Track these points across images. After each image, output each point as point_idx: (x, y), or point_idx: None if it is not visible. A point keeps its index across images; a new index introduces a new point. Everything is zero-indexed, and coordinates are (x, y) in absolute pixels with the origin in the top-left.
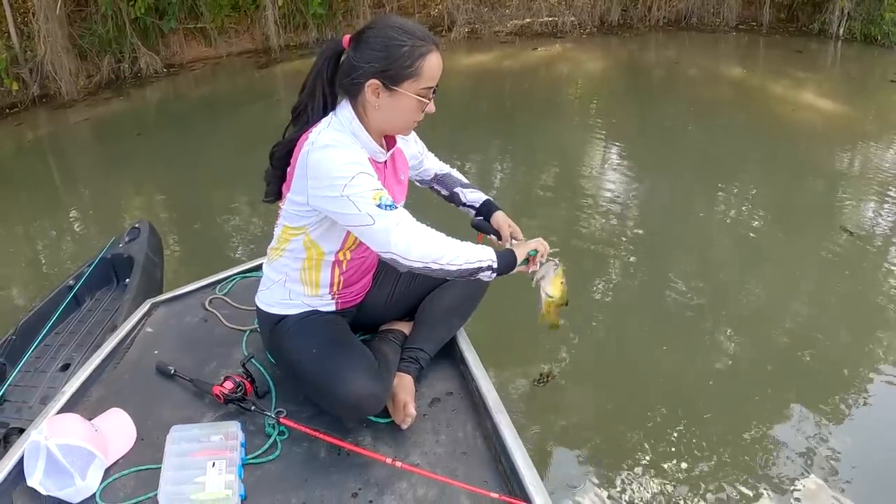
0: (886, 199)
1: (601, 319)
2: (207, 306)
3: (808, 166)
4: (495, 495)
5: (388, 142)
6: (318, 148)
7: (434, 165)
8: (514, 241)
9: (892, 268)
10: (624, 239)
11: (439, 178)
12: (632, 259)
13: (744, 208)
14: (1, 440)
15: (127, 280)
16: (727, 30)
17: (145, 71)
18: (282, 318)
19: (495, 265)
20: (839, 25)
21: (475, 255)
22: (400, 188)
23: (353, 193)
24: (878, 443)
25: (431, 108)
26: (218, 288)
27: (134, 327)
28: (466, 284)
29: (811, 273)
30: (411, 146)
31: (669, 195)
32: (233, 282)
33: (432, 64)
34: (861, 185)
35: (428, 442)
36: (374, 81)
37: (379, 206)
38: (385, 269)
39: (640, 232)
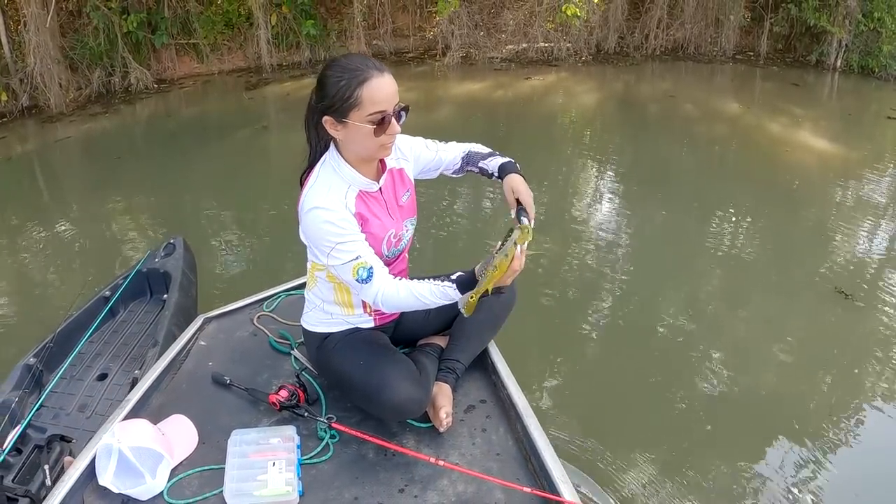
0: (876, 251)
1: (588, 347)
2: (255, 322)
3: (801, 214)
4: (527, 490)
5: (381, 166)
6: (305, 211)
7: (457, 152)
8: (518, 212)
9: (881, 326)
10: (614, 271)
11: (466, 160)
12: (619, 292)
13: (733, 252)
14: (44, 446)
15: (165, 295)
16: (724, 60)
17: (135, 86)
18: (327, 336)
19: (459, 297)
20: (837, 57)
21: (439, 298)
22: (402, 210)
23: (334, 264)
24: (860, 479)
25: (395, 128)
26: (265, 305)
27: (189, 341)
28: (496, 302)
29: (798, 324)
30: (422, 156)
31: (659, 233)
32: (279, 299)
33: (372, 90)
34: (851, 237)
35: (465, 444)
36: (327, 118)
37: (357, 279)
38: None
39: (629, 266)
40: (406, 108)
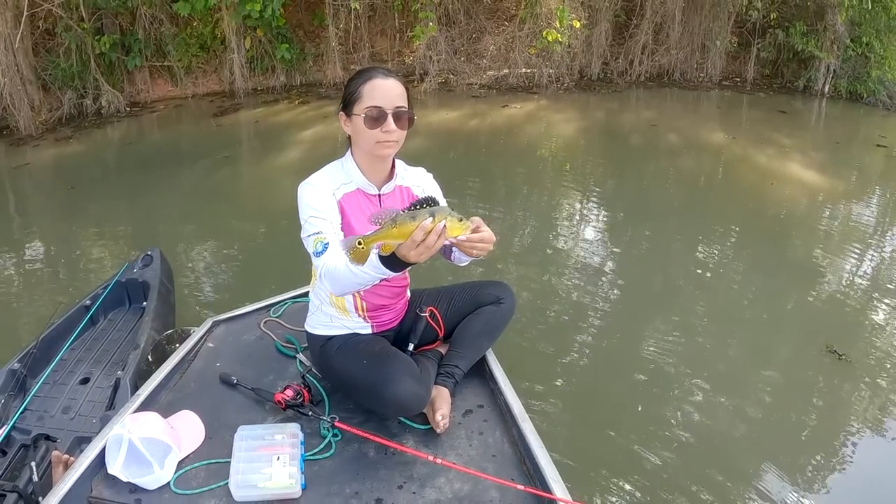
0: (864, 295)
1: (573, 376)
2: (262, 327)
3: (788, 254)
4: (521, 488)
5: (391, 177)
6: (301, 184)
7: None
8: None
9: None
10: (595, 304)
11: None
12: (600, 325)
13: (717, 291)
14: (30, 445)
15: (144, 303)
16: (710, 86)
17: (107, 109)
18: (328, 340)
19: (389, 273)
20: (825, 83)
21: (372, 271)
22: None
23: (303, 235)
24: None
25: (389, 126)
26: (272, 311)
27: (197, 342)
28: (493, 313)
29: (781, 368)
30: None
31: (641, 268)
32: (285, 306)
33: (372, 86)
34: (839, 277)
35: (462, 445)
36: (341, 114)
37: (314, 252)
38: (421, 300)
39: (611, 299)
40: (406, 113)
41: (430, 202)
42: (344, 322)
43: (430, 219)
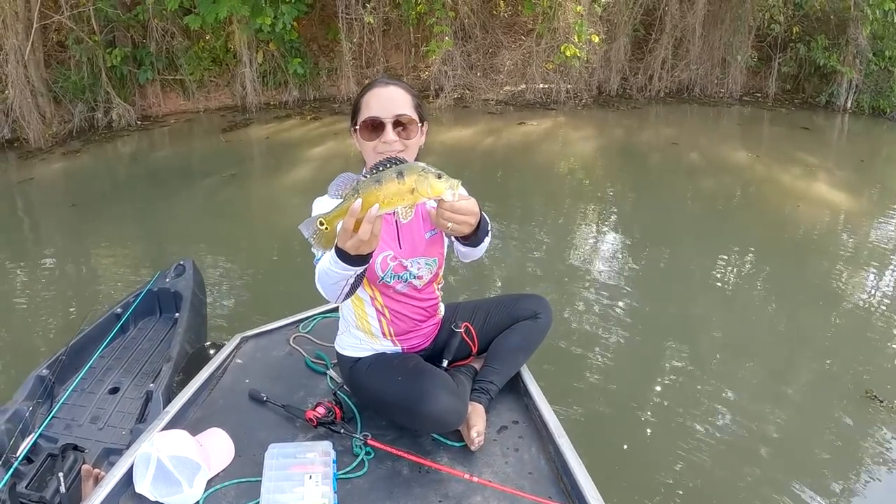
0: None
1: (589, 398)
2: (291, 343)
3: (815, 284)
4: None
5: None
6: (315, 200)
7: None
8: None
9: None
10: (611, 327)
11: None
12: (617, 347)
13: (741, 316)
14: (58, 455)
15: (175, 314)
16: (731, 102)
17: (118, 122)
18: (357, 360)
19: (347, 267)
20: (847, 98)
21: (332, 266)
22: (414, 243)
23: None
24: None
25: (386, 135)
26: (301, 326)
27: (226, 358)
28: (529, 328)
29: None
30: None
31: (659, 295)
32: (314, 321)
33: (369, 96)
34: (867, 307)
35: (498, 463)
36: (352, 128)
37: (315, 260)
38: (456, 315)
39: (627, 323)
40: (410, 121)
41: (396, 160)
42: (373, 345)
43: (365, 195)
